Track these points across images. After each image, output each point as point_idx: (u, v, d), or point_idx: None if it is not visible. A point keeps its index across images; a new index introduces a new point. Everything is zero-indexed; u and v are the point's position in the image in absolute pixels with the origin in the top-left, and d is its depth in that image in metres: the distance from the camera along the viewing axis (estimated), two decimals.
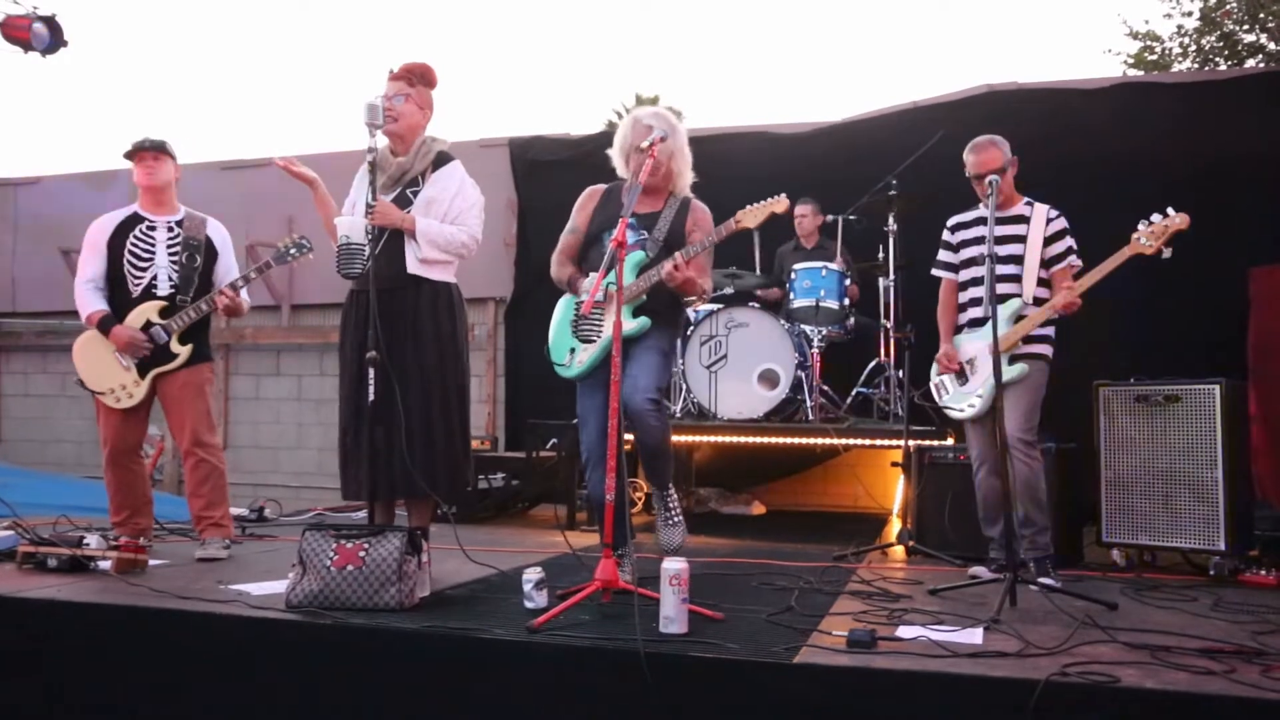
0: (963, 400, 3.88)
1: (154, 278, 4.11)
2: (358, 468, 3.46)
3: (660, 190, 3.54)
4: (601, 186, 3.66)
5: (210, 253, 4.20)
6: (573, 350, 3.54)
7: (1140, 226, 3.56)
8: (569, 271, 3.62)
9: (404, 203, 3.57)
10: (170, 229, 4.18)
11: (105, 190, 8.31)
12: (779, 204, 3.47)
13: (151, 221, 4.19)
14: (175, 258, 4.13)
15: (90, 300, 4.11)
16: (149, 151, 4.15)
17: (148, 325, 4.06)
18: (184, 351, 4.07)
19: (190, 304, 4.08)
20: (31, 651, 3.01)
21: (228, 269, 4.24)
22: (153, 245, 4.15)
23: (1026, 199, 3.87)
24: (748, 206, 3.46)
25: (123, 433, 4.12)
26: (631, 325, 3.40)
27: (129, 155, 4.18)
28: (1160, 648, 2.54)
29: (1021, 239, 3.77)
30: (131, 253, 4.13)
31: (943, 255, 4.01)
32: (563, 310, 3.68)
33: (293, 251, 4.14)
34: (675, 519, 3.55)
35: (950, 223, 4.02)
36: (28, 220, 8.67)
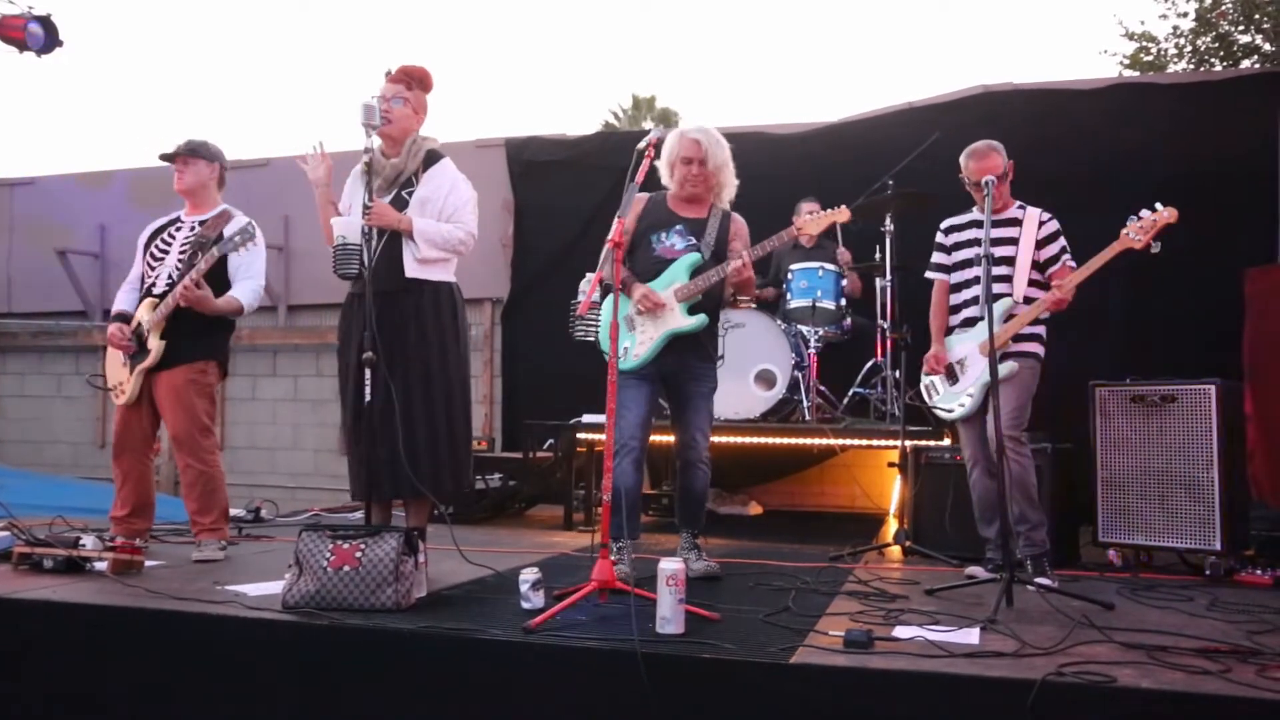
0: (953, 400, 3.89)
1: (158, 276, 4.12)
2: (362, 469, 3.47)
3: (703, 200, 3.73)
4: (645, 195, 3.71)
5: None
6: (627, 347, 3.62)
7: (1129, 222, 3.57)
8: (622, 273, 3.60)
9: (400, 204, 3.58)
10: (192, 228, 4.17)
11: (101, 190, 8.32)
12: (841, 214, 3.65)
13: (182, 223, 4.22)
14: (183, 256, 4.11)
15: (119, 301, 4.23)
16: (179, 157, 4.17)
17: (139, 324, 4.07)
18: (156, 348, 4.02)
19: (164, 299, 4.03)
20: (27, 652, 3.00)
21: (242, 265, 4.07)
22: (169, 245, 4.16)
23: (1019, 203, 3.89)
24: (806, 215, 3.69)
25: (124, 428, 4.14)
26: (690, 322, 3.60)
27: (165, 158, 4.20)
28: (1156, 647, 2.54)
29: (1014, 241, 3.79)
30: (151, 253, 4.18)
31: (936, 257, 4.02)
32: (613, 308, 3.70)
33: (237, 238, 3.97)
34: (704, 556, 3.77)
35: (944, 225, 4.03)
36: (23, 220, 8.65)
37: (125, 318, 4.14)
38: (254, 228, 4.02)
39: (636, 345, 3.63)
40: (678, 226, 3.69)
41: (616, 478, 3.42)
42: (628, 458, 3.54)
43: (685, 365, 3.67)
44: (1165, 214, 3.54)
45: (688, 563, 3.60)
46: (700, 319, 3.59)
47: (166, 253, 4.15)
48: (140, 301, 4.13)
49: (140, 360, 4.05)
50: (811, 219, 3.67)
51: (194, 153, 4.17)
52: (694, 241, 3.65)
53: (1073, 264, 3.77)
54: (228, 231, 4.09)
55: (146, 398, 4.11)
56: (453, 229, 3.59)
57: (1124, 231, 3.57)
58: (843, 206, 3.68)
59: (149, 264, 4.17)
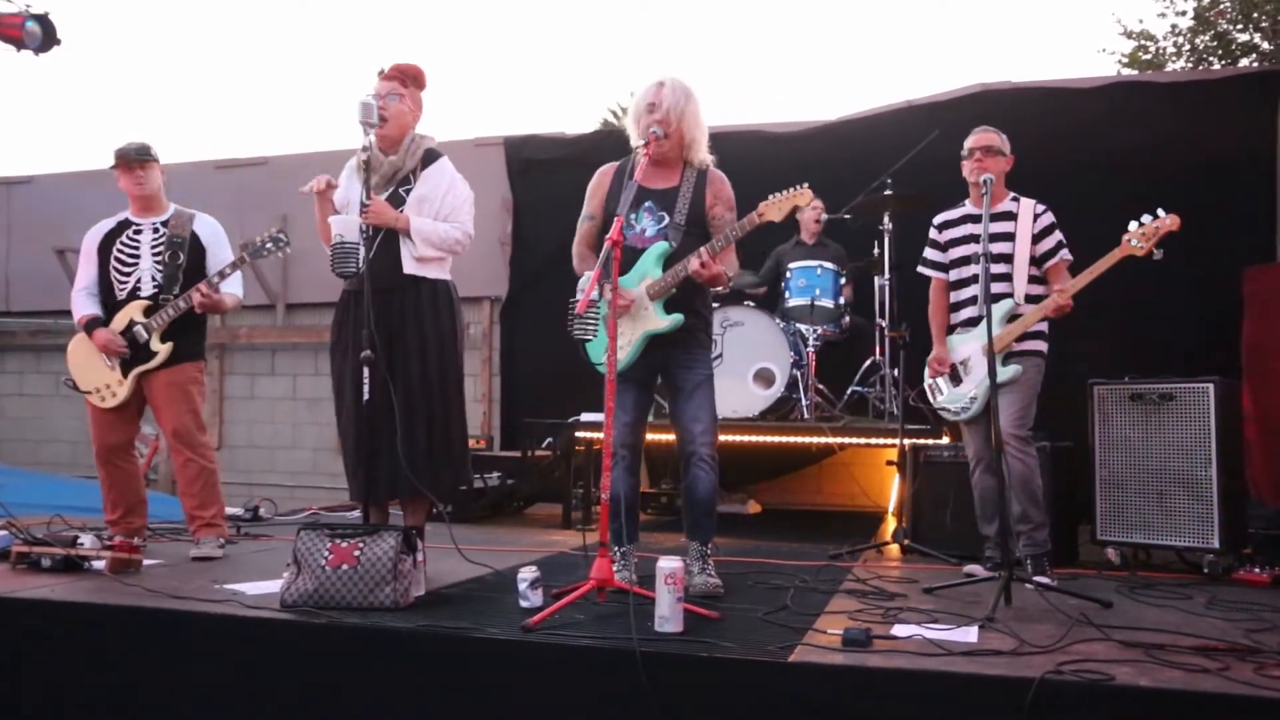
0: (957, 401, 3.88)
1: (139, 280, 4.11)
2: (359, 469, 3.46)
3: (674, 161, 3.36)
4: (612, 166, 3.54)
5: (196, 248, 4.16)
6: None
7: (1131, 227, 3.55)
8: (593, 263, 3.35)
9: (397, 202, 3.57)
10: (155, 229, 4.17)
11: (99, 189, 8.30)
12: (802, 196, 3.27)
13: (138, 225, 4.19)
14: (159, 257, 4.12)
15: (81, 306, 4.17)
16: (135, 161, 4.14)
17: (130, 325, 4.06)
18: (163, 350, 4.04)
19: (170, 301, 4.05)
20: (25, 651, 2.99)
21: (219, 263, 4.15)
22: (138, 249, 4.15)
23: (1012, 195, 3.86)
24: (770, 198, 3.29)
25: (109, 431, 4.13)
26: (665, 323, 3.31)
27: (115, 166, 4.16)
28: (1155, 646, 2.54)
29: (1010, 236, 3.76)
30: (117, 258, 4.14)
31: (929, 254, 4.00)
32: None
33: (268, 246, 4.04)
34: (712, 570, 3.42)
35: (937, 221, 4.00)
36: (21, 219, 8.64)
37: (101, 322, 4.10)
38: (286, 235, 4.07)
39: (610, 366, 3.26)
40: (647, 204, 3.36)
41: (615, 484, 3.27)
42: (620, 465, 3.36)
43: (674, 356, 3.41)
44: (1167, 221, 3.51)
45: (690, 574, 3.33)
46: (675, 319, 3.30)
47: (137, 258, 4.13)
48: (115, 305, 4.10)
49: (141, 362, 4.05)
50: (772, 202, 3.27)
51: (147, 156, 4.16)
52: (665, 222, 3.34)
53: (1069, 257, 3.76)
54: (201, 230, 4.18)
55: (136, 398, 4.12)
56: (450, 229, 3.58)
57: (1125, 238, 3.55)
58: (805, 185, 3.27)
59: (117, 271, 4.13)
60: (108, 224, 4.25)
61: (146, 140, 4.22)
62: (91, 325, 4.09)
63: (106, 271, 4.14)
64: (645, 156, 3.24)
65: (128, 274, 4.12)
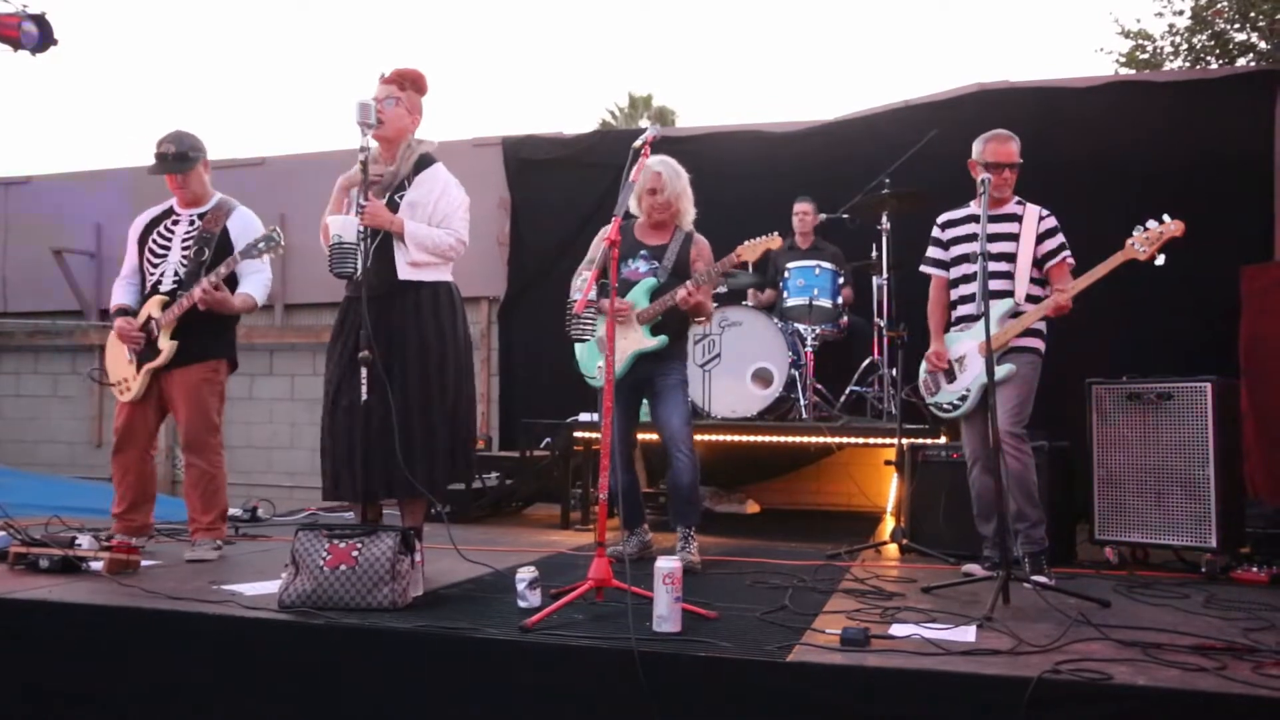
0: (950, 398, 3.88)
1: (163, 273, 4.08)
2: (350, 469, 3.45)
3: (667, 225, 4.05)
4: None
5: (224, 246, 4.06)
6: (600, 367, 3.78)
7: (1135, 232, 3.55)
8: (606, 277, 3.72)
9: (391, 208, 3.55)
10: (191, 222, 4.13)
11: (97, 189, 8.30)
12: (773, 241, 3.94)
13: (178, 215, 4.17)
14: (186, 252, 4.08)
15: (117, 294, 4.17)
16: (174, 175, 4.08)
17: (149, 320, 4.04)
18: (167, 348, 4.00)
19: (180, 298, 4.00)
20: (22, 653, 2.99)
21: (248, 261, 4.03)
22: (170, 240, 4.12)
23: (1017, 198, 3.86)
24: (746, 242, 3.92)
25: (128, 424, 4.11)
26: (652, 342, 3.92)
27: (160, 170, 4.11)
28: (1152, 645, 2.55)
29: (1014, 237, 3.77)
30: (151, 248, 4.13)
31: (932, 252, 4.01)
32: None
33: (260, 245, 3.96)
34: (693, 550, 3.95)
35: (940, 220, 4.01)
36: (19, 220, 8.64)
37: (129, 311, 4.08)
38: (279, 235, 3.97)
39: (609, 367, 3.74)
40: (642, 252, 4.01)
41: (613, 481, 3.79)
42: (617, 462, 3.79)
43: (654, 367, 3.96)
44: (1172, 227, 3.50)
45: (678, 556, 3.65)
46: (661, 339, 3.90)
47: (168, 248, 4.10)
48: (144, 297, 4.10)
49: (150, 359, 4.03)
50: (749, 245, 3.90)
51: (186, 160, 4.09)
52: (655, 265, 3.98)
53: (1071, 260, 3.76)
54: (233, 227, 4.09)
55: (154, 395, 4.10)
56: (443, 234, 3.56)
57: (1129, 242, 3.55)
58: (774, 233, 3.94)
59: (149, 260, 4.11)
60: (153, 211, 4.22)
61: (185, 132, 4.14)
62: (116, 315, 4.08)
63: (143, 261, 4.13)
64: (643, 157, 3.35)
65: (157, 265, 4.10)
